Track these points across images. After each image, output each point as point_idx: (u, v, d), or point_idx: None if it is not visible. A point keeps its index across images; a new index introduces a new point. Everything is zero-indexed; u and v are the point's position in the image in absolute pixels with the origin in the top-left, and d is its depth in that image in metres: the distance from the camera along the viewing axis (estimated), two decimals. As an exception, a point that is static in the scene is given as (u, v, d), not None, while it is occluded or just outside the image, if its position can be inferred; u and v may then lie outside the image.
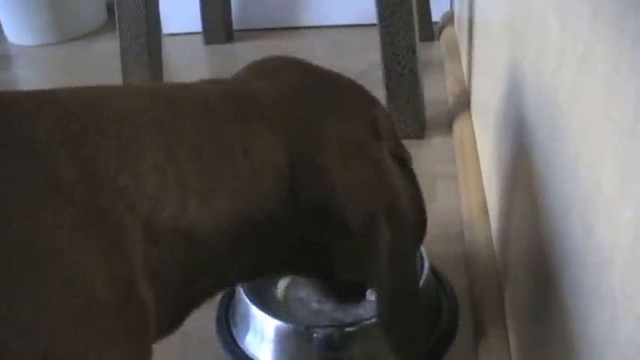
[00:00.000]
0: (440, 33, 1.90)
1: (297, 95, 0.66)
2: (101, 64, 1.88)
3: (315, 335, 0.83)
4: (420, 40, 1.46)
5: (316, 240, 0.65)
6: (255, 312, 0.86)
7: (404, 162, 0.71)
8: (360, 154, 0.65)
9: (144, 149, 0.54)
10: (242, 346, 0.88)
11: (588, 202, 0.51)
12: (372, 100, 0.72)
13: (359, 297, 0.81)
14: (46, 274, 0.45)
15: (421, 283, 0.88)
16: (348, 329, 0.84)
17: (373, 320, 0.83)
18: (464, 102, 1.46)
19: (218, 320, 0.93)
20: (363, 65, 1.66)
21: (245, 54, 1.94)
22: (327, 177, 0.63)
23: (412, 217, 0.71)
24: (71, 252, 0.47)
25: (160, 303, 0.55)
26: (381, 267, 0.65)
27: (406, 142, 1.31)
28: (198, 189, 0.57)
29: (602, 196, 0.48)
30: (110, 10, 2.26)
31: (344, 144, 0.64)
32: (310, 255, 0.67)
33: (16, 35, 2.18)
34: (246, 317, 0.88)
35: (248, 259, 0.63)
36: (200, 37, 2.01)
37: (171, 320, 0.61)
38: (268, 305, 0.89)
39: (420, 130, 1.42)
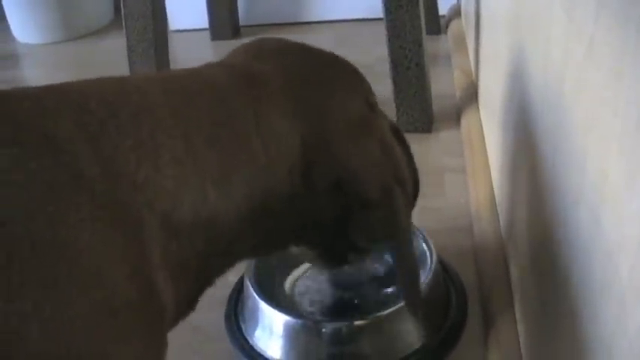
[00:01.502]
0: (447, 26, 1.89)
1: (300, 76, 0.67)
2: (108, 62, 1.88)
3: (324, 330, 0.83)
4: (427, 33, 1.46)
5: (332, 215, 0.68)
6: (264, 307, 0.86)
7: (398, 132, 0.75)
8: (366, 129, 0.68)
9: (162, 144, 0.55)
10: (251, 342, 0.88)
11: (596, 194, 0.51)
12: (360, 76, 0.74)
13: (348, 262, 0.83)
14: (69, 269, 0.45)
15: (430, 276, 0.88)
16: (357, 323, 0.84)
17: (381, 314, 0.83)
18: (471, 95, 1.46)
19: (227, 316, 0.93)
20: (371, 59, 1.66)
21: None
22: (340, 154, 0.65)
23: (412, 186, 0.76)
24: (92, 247, 0.47)
25: (179, 292, 0.56)
26: (402, 231, 0.70)
27: (414, 136, 1.31)
28: (217, 178, 0.58)
29: (610, 188, 0.47)
30: (117, 7, 2.26)
31: (351, 121, 0.67)
32: (321, 229, 0.70)
33: (24, 33, 2.19)
34: (255, 313, 0.88)
35: (261, 238, 0.65)
36: (207, 34, 2.01)
37: (188, 304, 0.63)
38: (277, 300, 0.89)
39: (427, 124, 1.42)
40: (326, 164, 0.65)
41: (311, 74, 0.68)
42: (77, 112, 0.52)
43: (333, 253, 0.77)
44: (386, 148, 0.69)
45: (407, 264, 0.73)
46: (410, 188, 0.74)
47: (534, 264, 0.78)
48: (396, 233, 0.70)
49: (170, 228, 0.54)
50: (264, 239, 0.66)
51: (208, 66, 0.67)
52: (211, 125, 0.59)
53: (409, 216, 0.75)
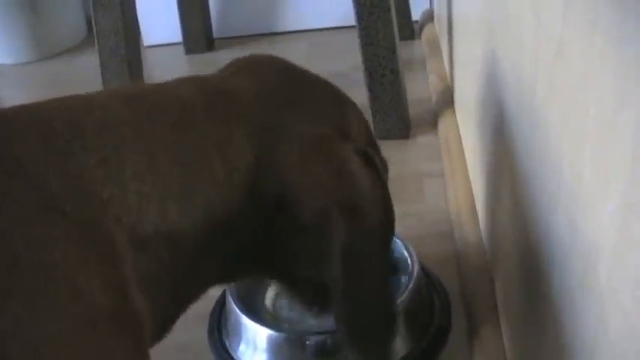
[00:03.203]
0: (420, 31, 1.90)
1: (269, 93, 0.67)
2: (83, 80, 1.87)
3: (307, 342, 0.83)
4: (401, 39, 1.46)
5: (277, 238, 0.66)
6: (246, 322, 0.85)
7: (372, 163, 0.70)
8: (320, 151, 0.65)
9: (125, 160, 0.56)
10: (235, 357, 0.87)
11: (571, 197, 0.51)
12: (344, 101, 0.72)
13: (327, 303, 0.76)
14: (45, 287, 0.46)
15: (412, 283, 0.88)
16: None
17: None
18: (447, 99, 1.46)
19: (210, 332, 0.92)
20: (345, 67, 1.66)
21: (226, 62, 1.92)
22: (284, 172, 0.64)
23: (379, 220, 0.69)
24: (66, 263, 0.48)
25: (152, 309, 0.56)
26: (334, 266, 0.64)
27: (391, 142, 1.31)
28: (178, 193, 0.58)
29: (585, 190, 0.47)
30: (90, 25, 2.24)
31: (305, 141, 0.65)
32: (273, 253, 0.67)
33: (-4, 54, 2.17)
34: (238, 327, 0.87)
35: (223, 258, 0.64)
36: (181, 48, 2.01)
37: (161, 326, 0.62)
38: (259, 314, 0.89)
39: (404, 130, 1.42)
40: (270, 184, 0.63)
41: (278, 92, 0.67)
42: (44, 133, 0.53)
43: (298, 290, 0.75)
44: (339, 174, 0.65)
45: (344, 309, 0.67)
46: (373, 218, 0.67)
47: (516, 267, 0.77)
48: (327, 267, 0.65)
49: (137, 241, 0.55)
50: (227, 261, 0.65)
51: (178, 80, 0.67)
52: (173, 141, 0.59)
53: (370, 249, 0.67)
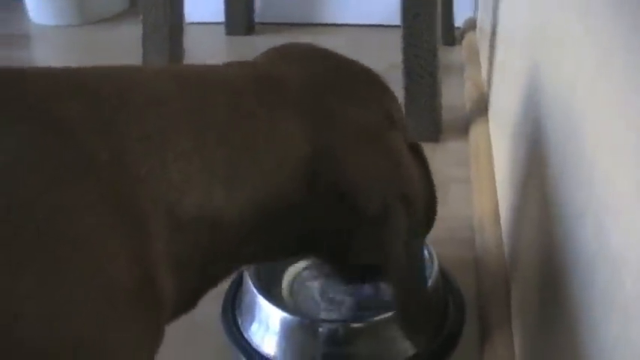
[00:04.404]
0: (461, 38, 1.89)
1: (321, 82, 0.66)
2: (121, 49, 1.88)
3: (320, 329, 0.83)
4: (442, 44, 1.46)
5: (334, 227, 0.66)
6: (262, 302, 0.86)
7: (418, 150, 0.73)
8: (378, 142, 0.66)
9: (171, 137, 0.54)
10: (246, 336, 0.88)
11: (602, 207, 0.51)
12: (386, 90, 0.73)
13: (364, 280, 0.82)
14: (70, 253, 0.45)
15: (430, 283, 0.88)
16: (353, 325, 0.83)
17: (379, 317, 0.83)
18: (481, 108, 1.46)
19: (224, 310, 0.93)
20: (382, 66, 1.65)
21: (264, 47, 1.92)
22: (346, 164, 0.63)
23: (424, 204, 0.73)
24: (95, 233, 0.46)
25: (181, 287, 0.56)
26: (398, 254, 0.66)
27: (422, 145, 1.30)
28: (224, 177, 0.57)
29: (617, 200, 0.47)
30: (133, -5, 2.26)
31: (363, 132, 0.65)
32: (326, 240, 0.68)
33: (39, 15, 2.19)
34: (252, 307, 0.87)
35: (265, 243, 0.64)
36: (222, 28, 2.02)
37: (188, 301, 0.62)
38: (275, 297, 0.89)
39: (435, 133, 1.42)
40: (331, 175, 0.63)
41: (331, 82, 0.67)
42: (91, 97, 0.52)
43: (345, 268, 0.75)
44: (396, 164, 0.66)
45: (402, 295, 0.69)
46: (421, 206, 0.70)
47: (535, 275, 0.77)
48: (391, 254, 0.67)
49: (175, 221, 0.54)
50: (270, 245, 0.65)
51: (228, 64, 0.66)
52: (222, 124, 0.58)
53: (417, 237, 0.71)
